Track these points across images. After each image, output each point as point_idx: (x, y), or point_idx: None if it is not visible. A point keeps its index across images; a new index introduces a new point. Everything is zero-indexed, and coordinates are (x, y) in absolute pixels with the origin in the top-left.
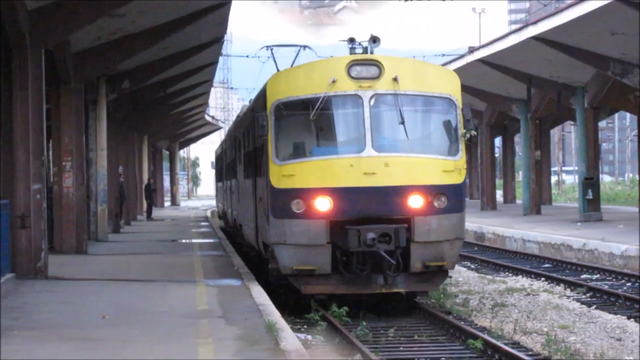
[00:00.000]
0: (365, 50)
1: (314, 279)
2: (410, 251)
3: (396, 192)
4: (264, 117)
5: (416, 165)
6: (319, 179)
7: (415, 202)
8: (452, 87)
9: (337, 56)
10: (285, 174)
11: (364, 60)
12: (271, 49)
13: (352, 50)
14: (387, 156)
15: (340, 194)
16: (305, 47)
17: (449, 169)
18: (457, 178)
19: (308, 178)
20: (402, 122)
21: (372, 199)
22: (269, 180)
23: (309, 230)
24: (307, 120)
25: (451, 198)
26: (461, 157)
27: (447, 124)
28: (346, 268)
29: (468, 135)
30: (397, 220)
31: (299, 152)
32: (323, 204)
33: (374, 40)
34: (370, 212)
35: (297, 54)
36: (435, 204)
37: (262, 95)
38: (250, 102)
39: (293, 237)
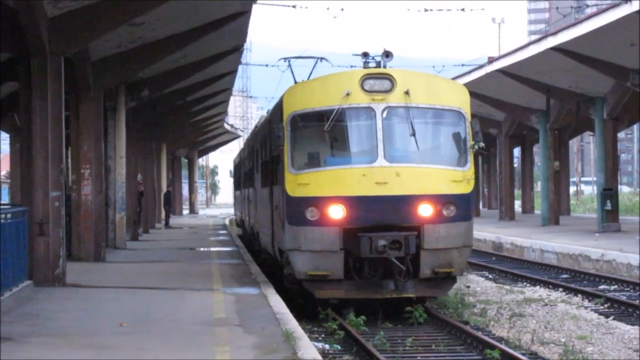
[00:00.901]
0: (378, 64)
1: (327, 284)
2: (420, 258)
3: (407, 201)
4: (281, 128)
5: (426, 175)
6: (332, 187)
7: (425, 210)
8: (461, 100)
9: (351, 69)
10: (301, 182)
11: (377, 74)
12: (289, 61)
13: (365, 64)
14: (398, 166)
15: (353, 202)
16: (322, 59)
17: (457, 179)
18: (466, 188)
19: (322, 187)
20: (413, 134)
21: (384, 207)
22: (285, 188)
23: (322, 237)
24: (321, 131)
25: (460, 207)
26: (469, 168)
27: (456, 136)
28: (358, 274)
29: (476, 147)
30: (407, 228)
31: (313, 161)
32: (336, 212)
33: (387, 54)
34: (381, 220)
35: (315, 66)
36: (444, 212)
37: (278, 107)
38: (267, 112)
39: (307, 243)
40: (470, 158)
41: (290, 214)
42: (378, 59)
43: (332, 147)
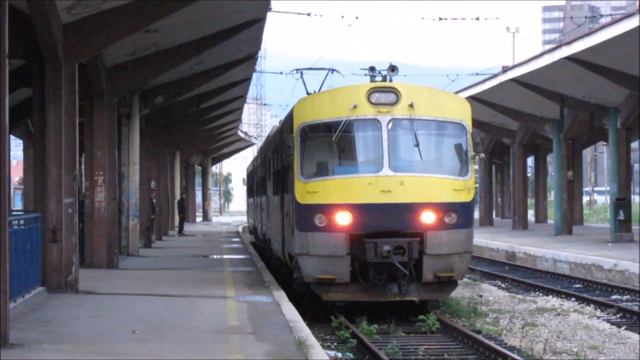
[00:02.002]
0: (384, 78)
1: (334, 287)
2: (423, 263)
3: (410, 209)
4: (291, 139)
5: (429, 184)
6: (340, 195)
7: (428, 218)
8: (463, 113)
9: (359, 83)
10: (310, 190)
11: (383, 88)
12: (301, 72)
13: (372, 78)
14: (402, 175)
15: (359, 209)
16: (332, 70)
17: (459, 188)
18: (467, 196)
19: (330, 195)
20: (417, 145)
21: (389, 214)
22: (294, 196)
23: (330, 242)
24: (330, 141)
25: (461, 215)
26: (470, 177)
27: (458, 147)
28: (364, 277)
29: (477, 158)
30: (411, 234)
31: (322, 170)
32: (343, 219)
33: (393, 69)
34: (386, 226)
35: (326, 77)
36: (446, 219)
37: (289, 118)
38: (279, 123)
39: (315, 248)
40: (471, 168)
41: (299, 220)
42: (384, 73)
43: (339, 156)
